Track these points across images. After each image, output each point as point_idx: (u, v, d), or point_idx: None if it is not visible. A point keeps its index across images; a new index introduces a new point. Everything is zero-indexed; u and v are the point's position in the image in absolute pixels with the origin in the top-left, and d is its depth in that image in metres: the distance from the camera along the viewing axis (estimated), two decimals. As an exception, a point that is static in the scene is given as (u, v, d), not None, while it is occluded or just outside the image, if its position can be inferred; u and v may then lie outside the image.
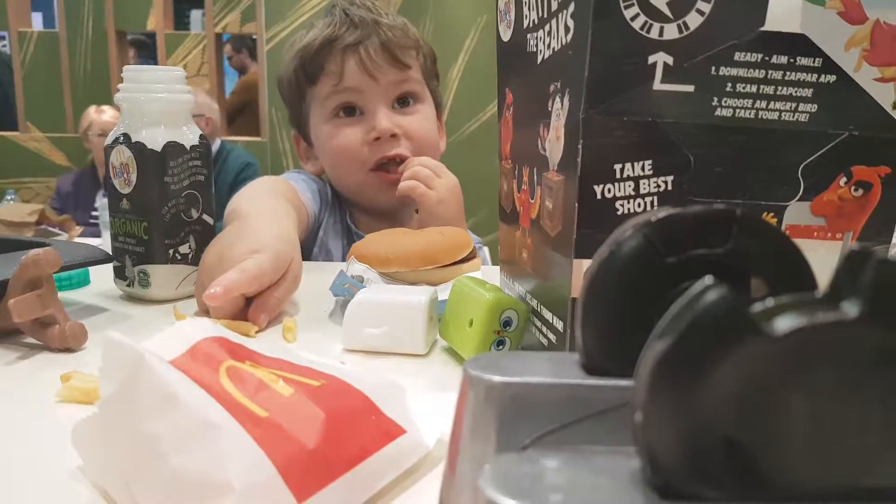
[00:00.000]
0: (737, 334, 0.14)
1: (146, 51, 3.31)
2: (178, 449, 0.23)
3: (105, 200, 1.78)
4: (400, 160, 0.77)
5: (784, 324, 0.14)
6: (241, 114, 2.80)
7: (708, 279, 0.15)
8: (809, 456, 0.15)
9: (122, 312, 0.52)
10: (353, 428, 0.26)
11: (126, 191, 0.54)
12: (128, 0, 2.59)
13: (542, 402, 0.20)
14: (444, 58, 2.38)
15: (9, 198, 2.11)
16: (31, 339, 0.43)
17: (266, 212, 0.60)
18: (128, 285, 0.55)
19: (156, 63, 3.04)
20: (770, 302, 0.15)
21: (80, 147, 2.40)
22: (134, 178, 0.54)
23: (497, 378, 0.20)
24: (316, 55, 0.77)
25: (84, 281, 0.57)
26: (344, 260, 0.78)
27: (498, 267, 0.60)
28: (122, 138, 0.54)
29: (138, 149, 0.53)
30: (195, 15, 3.49)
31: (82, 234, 1.69)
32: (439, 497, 0.22)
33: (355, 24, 0.76)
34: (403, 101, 0.80)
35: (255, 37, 2.64)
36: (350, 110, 0.78)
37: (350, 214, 0.85)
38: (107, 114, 2.25)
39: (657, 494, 0.15)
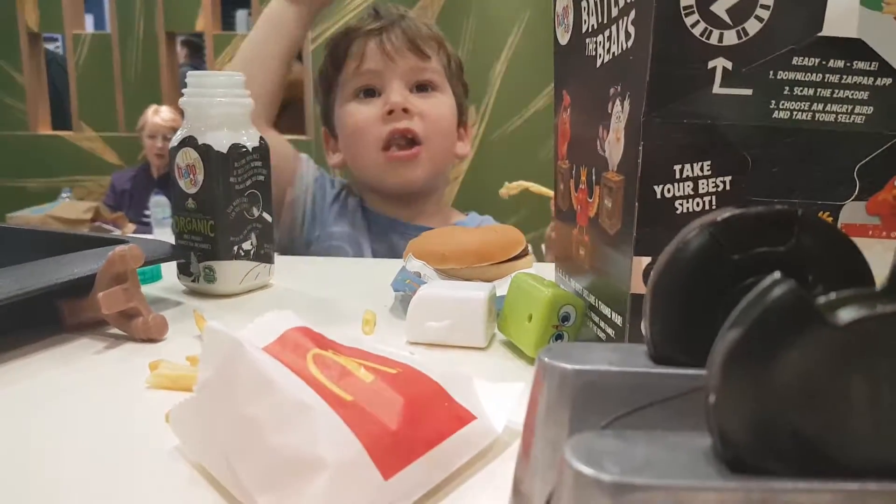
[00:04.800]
0: (803, 324, 0.15)
1: (200, 52, 3.41)
2: (276, 428, 0.25)
3: (157, 198, 1.85)
4: (410, 136, 0.80)
5: (846, 315, 0.15)
6: (285, 111, 2.86)
7: (776, 274, 0.16)
8: (868, 435, 0.16)
9: (195, 306, 0.54)
10: (429, 413, 0.28)
11: (192, 191, 0.57)
12: (177, 2, 2.67)
13: (613, 388, 0.21)
14: (487, 56, 2.39)
15: (64, 195, 2.20)
16: (115, 330, 0.46)
17: None
18: (193, 281, 0.58)
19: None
20: (833, 295, 0.16)
21: (131, 146, 2.49)
22: (201, 178, 0.56)
23: (571, 366, 0.22)
24: (341, 40, 0.83)
25: (156, 276, 0.60)
26: (356, 243, 0.84)
27: (546, 264, 0.62)
28: (187, 140, 0.57)
29: (204, 150, 0.56)
30: (240, 15, 3.58)
31: (135, 232, 1.75)
32: (514, 478, 0.24)
33: (381, 15, 0.83)
34: (422, 88, 0.83)
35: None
36: (370, 92, 0.82)
37: (366, 200, 0.88)
38: (161, 115, 2.32)
39: (728, 468, 0.16)
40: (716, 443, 0.17)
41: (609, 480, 0.16)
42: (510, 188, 0.74)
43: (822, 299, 0.16)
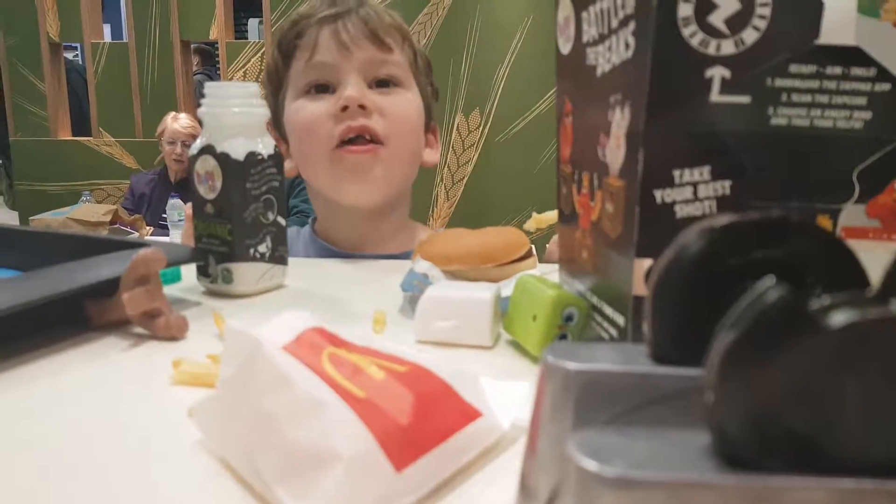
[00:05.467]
0: (796, 328, 0.16)
1: (212, 59, 3.47)
2: (293, 423, 0.26)
3: (173, 201, 1.88)
4: (369, 135, 0.69)
5: (838, 319, 0.16)
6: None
7: (769, 279, 0.17)
8: (860, 434, 0.17)
9: (214, 306, 0.56)
10: (438, 409, 0.29)
11: (211, 196, 0.59)
12: (191, 11, 2.71)
13: (615, 387, 0.22)
14: (491, 59, 2.41)
15: (84, 199, 2.24)
16: (139, 329, 0.47)
17: None
18: (211, 282, 0.59)
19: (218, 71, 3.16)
20: (826, 299, 0.17)
21: (148, 151, 2.53)
22: (219, 184, 0.58)
23: (573, 365, 0.22)
24: (291, 29, 0.73)
25: (176, 277, 0.62)
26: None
27: (549, 265, 0.63)
28: (206, 148, 0.59)
29: (223, 158, 0.58)
30: (252, 23, 3.63)
31: (152, 235, 1.78)
32: (520, 472, 0.25)
33: (336, 1, 0.73)
34: (383, 84, 0.73)
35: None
36: (322, 88, 0.72)
37: (318, 224, 0.80)
38: (180, 121, 2.37)
39: (726, 464, 0.17)
40: (714, 440, 0.17)
41: (611, 475, 0.16)
42: (540, 221, 0.64)
43: (814, 303, 0.17)
